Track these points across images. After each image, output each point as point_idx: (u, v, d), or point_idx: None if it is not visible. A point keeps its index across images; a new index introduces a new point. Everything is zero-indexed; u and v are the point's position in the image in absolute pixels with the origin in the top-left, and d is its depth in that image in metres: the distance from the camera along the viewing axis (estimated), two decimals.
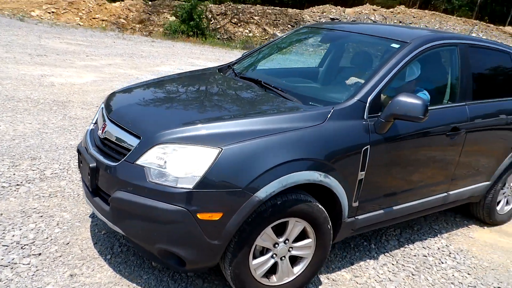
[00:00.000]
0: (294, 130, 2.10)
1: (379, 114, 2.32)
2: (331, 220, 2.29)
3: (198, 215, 1.88)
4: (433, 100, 2.79)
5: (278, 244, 2.15)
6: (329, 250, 2.33)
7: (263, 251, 2.17)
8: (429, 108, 2.61)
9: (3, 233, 2.50)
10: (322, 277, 2.52)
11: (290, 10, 23.53)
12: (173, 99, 2.65)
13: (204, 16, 20.78)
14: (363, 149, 2.27)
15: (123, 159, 2.03)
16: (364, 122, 2.30)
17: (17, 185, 3.12)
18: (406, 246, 3.03)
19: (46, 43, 11.02)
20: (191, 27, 19.83)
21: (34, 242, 2.45)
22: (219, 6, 22.27)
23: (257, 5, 23.93)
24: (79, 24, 18.31)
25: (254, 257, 2.12)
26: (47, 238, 2.51)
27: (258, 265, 2.13)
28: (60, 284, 2.14)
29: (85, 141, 2.42)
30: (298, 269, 2.28)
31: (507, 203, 3.62)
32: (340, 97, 2.41)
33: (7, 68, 7.18)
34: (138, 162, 1.97)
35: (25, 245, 2.41)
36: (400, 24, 22.65)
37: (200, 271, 2.33)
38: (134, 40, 15.29)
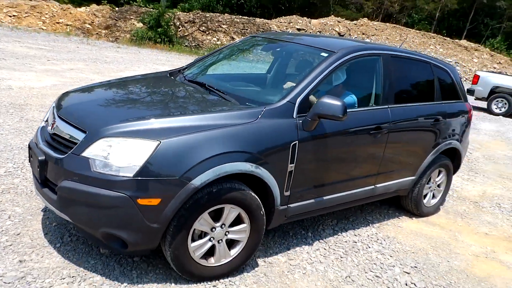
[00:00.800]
0: (229, 126, 2.37)
1: (307, 113, 2.64)
2: (264, 207, 2.57)
3: (138, 201, 2.11)
4: (359, 103, 3.16)
5: (215, 228, 2.40)
6: (262, 234, 2.60)
7: (201, 234, 2.41)
8: (355, 110, 2.99)
9: None
10: (260, 260, 2.78)
11: (258, 19, 24.04)
12: (119, 98, 2.86)
13: (172, 23, 20.88)
14: (292, 144, 2.56)
15: (69, 152, 2.22)
16: (293, 121, 2.60)
17: None
18: (339, 234, 3.34)
19: (5, 47, 10.83)
20: (159, 34, 19.88)
21: None
22: (187, 14, 22.48)
23: (226, 14, 24.31)
24: (42, 29, 17.96)
25: (193, 240, 2.36)
26: None
27: (197, 247, 2.37)
28: (9, 268, 2.28)
29: (36, 137, 2.59)
30: (234, 251, 2.53)
31: (433, 196, 4.04)
32: (274, 99, 2.71)
33: None
34: (84, 154, 2.17)
35: None
36: (347, 36, 23.64)
37: (142, 253, 2.53)
38: (99, 46, 15.19)
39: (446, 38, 26.86)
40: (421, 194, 3.81)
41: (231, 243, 2.54)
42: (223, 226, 2.43)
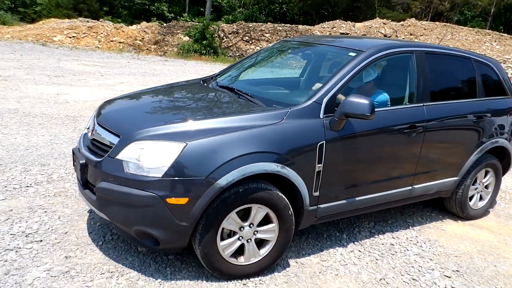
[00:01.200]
0: (255, 128, 2.44)
1: (334, 113, 2.63)
2: (294, 208, 2.59)
3: (167, 200, 2.22)
4: (393, 102, 3.10)
5: (243, 227, 2.45)
6: (292, 234, 2.61)
7: (231, 233, 2.47)
8: (386, 108, 2.95)
9: (12, 224, 2.87)
10: (291, 261, 2.78)
11: (300, 26, 24.07)
12: (152, 104, 3.02)
13: (216, 35, 21.53)
14: (319, 144, 2.57)
15: (106, 155, 2.39)
16: (320, 121, 2.61)
17: (27, 186, 3.51)
18: (376, 236, 3.25)
19: (64, 65, 11.74)
20: (204, 46, 20.55)
21: (37, 231, 2.81)
22: (231, 25, 23.01)
23: (268, 23, 24.58)
24: (98, 47, 19.24)
25: (223, 239, 2.42)
26: (48, 228, 2.87)
27: (226, 245, 2.43)
28: (56, 263, 2.48)
29: (79, 143, 2.80)
30: (264, 250, 2.56)
31: (481, 198, 3.80)
32: (301, 100, 2.73)
33: (27, 88, 7.79)
34: (118, 156, 2.32)
35: (29, 233, 2.77)
36: (394, 37, 22.82)
37: (174, 251, 2.63)
38: (148, 60, 16.00)
39: (503, 34, 25.19)
40: (466, 195, 3.60)
41: (260, 243, 2.58)
42: (251, 225, 2.47)
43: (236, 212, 2.40)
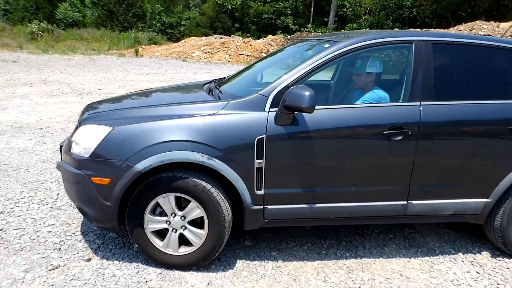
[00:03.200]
0: (186, 117, 2.46)
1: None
2: (237, 205, 2.59)
3: (92, 179, 2.41)
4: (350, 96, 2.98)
5: (175, 214, 2.51)
6: (223, 234, 2.51)
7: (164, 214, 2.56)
8: (359, 105, 2.70)
9: None
10: (395, 273, 2.66)
11: (433, 30, 22.28)
12: (126, 100, 3.17)
13: None
14: (257, 138, 2.41)
15: (66, 138, 2.83)
16: (263, 114, 2.46)
17: None
18: (501, 259, 2.87)
19: (199, 77, 13.17)
20: None
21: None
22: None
23: (395, 29, 23.37)
24: (228, 61, 21.01)
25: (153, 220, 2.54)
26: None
27: (152, 221, 2.53)
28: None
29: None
30: (183, 250, 2.58)
31: None
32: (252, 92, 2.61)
33: None
34: (71, 138, 2.64)
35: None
36: None
37: (109, 230, 2.76)
38: None
39: None
40: (508, 225, 2.81)
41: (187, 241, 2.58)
42: (183, 218, 2.52)
43: (177, 200, 2.48)
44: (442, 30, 21.95)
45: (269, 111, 2.46)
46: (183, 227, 2.54)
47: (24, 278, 2.40)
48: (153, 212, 2.52)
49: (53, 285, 2.36)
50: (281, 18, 31.66)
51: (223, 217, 2.48)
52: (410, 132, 2.54)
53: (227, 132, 2.43)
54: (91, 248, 2.77)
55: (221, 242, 2.53)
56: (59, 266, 2.54)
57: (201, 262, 2.57)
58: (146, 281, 2.45)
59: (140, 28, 32.09)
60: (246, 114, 2.47)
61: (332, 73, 3.78)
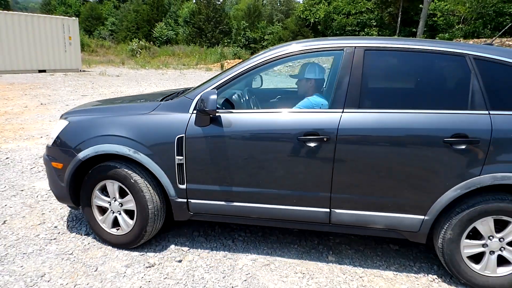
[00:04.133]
0: (125, 115, 2.83)
1: None
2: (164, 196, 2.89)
3: (52, 163, 2.96)
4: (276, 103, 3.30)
5: (115, 200, 2.92)
6: (146, 225, 2.83)
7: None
8: (275, 110, 2.71)
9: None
10: None
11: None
12: (106, 101, 3.50)
13: None
14: (177, 137, 2.67)
15: None
16: (186, 115, 2.70)
17: None
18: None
19: None
20: None
21: (248, 226, 3.36)
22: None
23: (493, 38, 21.37)
24: None
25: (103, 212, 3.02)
26: (256, 226, 3.38)
27: (103, 220, 2.99)
28: (260, 255, 2.92)
29: None
30: (114, 230, 2.98)
31: (505, 261, 2.54)
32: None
33: None
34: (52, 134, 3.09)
35: (243, 227, 3.34)
36: None
37: (72, 208, 3.25)
38: None
39: None
40: (454, 250, 2.54)
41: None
42: (114, 199, 2.92)
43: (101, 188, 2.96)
44: None
45: (192, 113, 2.71)
46: (119, 212, 2.94)
47: (125, 272, 2.65)
48: (102, 192, 2.97)
49: (149, 281, 2.56)
50: (365, 29, 30.92)
51: (149, 207, 2.80)
52: (325, 139, 2.52)
53: (152, 130, 2.73)
54: (182, 250, 2.95)
55: (145, 230, 2.84)
56: (155, 264, 2.75)
57: (128, 245, 2.93)
58: (232, 287, 2.54)
59: (226, 44, 33.73)
60: (171, 114, 2.75)
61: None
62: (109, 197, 2.92)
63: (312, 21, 33.75)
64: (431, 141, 2.44)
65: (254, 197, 2.73)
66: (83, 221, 3.34)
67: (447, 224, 2.53)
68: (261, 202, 2.73)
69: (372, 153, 2.52)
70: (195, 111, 2.69)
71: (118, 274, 2.62)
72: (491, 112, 2.42)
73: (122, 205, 2.90)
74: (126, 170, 2.77)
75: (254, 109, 3.20)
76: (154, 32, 35.26)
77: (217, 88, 2.73)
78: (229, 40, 35.99)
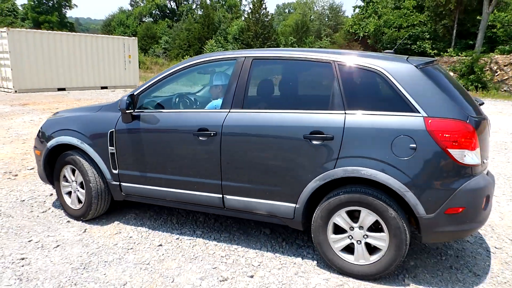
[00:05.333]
0: (79, 114, 3.71)
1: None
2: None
3: (35, 151, 3.89)
4: (187, 105, 3.81)
5: (73, 181, 3.70)
6: (92, 203, 3.53)
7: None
8: (180, 111, 3.39)
9: (297, 235, 3.50)
10: None
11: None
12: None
13: (487, 68, 19.18)
14: (109, 131, 3.38)
15: None
16: (117, 114, 3.37)
17: None
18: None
19: None
20: (471, 81, 18.67)
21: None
22: (508, 56, 19.94)
23: None
24: None
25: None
26: None
27: (64, 184, 3.78)
28: (333, 276, 2.87)
29: None
30: (79, 206, 3.70)
31: (373, 250, 2.74)
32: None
33: None
34: None
35: (312, 245, 3.31)
36: None
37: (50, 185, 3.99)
38: None
39: None
40: (324, 239, 2.82)
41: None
42: (73, 181, 3.70)
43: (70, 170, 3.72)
44: None
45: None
46: (76, 190, 3.67)
47: (200, 285, 2.71)
48: (64, 176, 3.74)
49: None
50: (418, 43, 29.96)
51: (92, 187, 3.48)
52: (212, 134, 2.98)
53: (93, 125, 3.49)
54: (252, 265, 2.97)
55: (91, 207, 3.53)
56: (228, 278, 2.79)
57: (80, 217, 3.64)
58: None
59: None
60: (108, 113, 3.46)
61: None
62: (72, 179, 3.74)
63: (361, 35, 33.30)
64: (294, 137, 2.78)
65: (165, 183, 3.26)
66: (155, 232, 3.48)
67: (316, 215, 2.82)
68: (171, 187, 3.25)
69: (249, 146, 2.93)
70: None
71: (194, 286, 2.68)
72: (347, 112, 2.70)
73: (77, 183, 3.68)
74: (78, 157, 3.53)
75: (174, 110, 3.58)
76: (205, 49, 36.46)
77: (140, 93, 3.35)
78: None
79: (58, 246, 3.19)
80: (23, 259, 2.97)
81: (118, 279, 2.75)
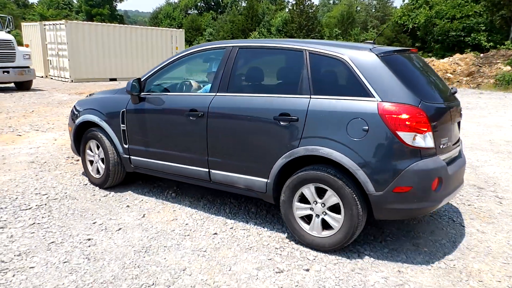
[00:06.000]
0: (102, 96, 4.32)
1: None
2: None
3: (68, 128, 4.76)
4: (186, 89, 4.08)
5: (96, 154, 4.31)
6: (111, 165, 4.09)
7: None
8: (173, 94, 3.90)
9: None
10: None
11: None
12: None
13: None
14: (121, 111, 3.90)
15: None
16: (128, 96, 3.84)
17: None
18: None
19: None
20: None
21: (372, 241, 3.25)
22: None
23: None
24: None
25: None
26: (381, 242, 3.26)
27: (88, 154, 4.42)
28: (391, 274, 2.80)
29: None
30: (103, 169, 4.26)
31: (328, 226, 2.98)
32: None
33: None
34: None
35: (369, 241, 3.24)
36: None
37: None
38: (460, 93, 15.13)
39: None
40: (288, 210, 3.13)
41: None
42: (96, 154, 4.29)
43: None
44: None
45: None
46: (98, 161, 4.25)
47: (257, 275, 2.74)
48: (90, 149, 4.32)
49: (281, 287, 2.61)
50: (472, 35, 28.33)
51: (110, 159, 4.04)
52: (199, 115, 3.39)
53: (110, 105, 4.05)
54: (307, 259, 2.96)
55: (109, 176, 4.12)
56: (284, 270, 2.80)
57: (101, 185, 4.25)
58: None
59: None
60: (122, 95, 3.96)
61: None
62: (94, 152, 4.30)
63: (410, 26, 31.95)
64: (266, 118, 3.10)
65: (164, 157, 3.72)
66: (209, 221, 3.55)
67: (284, 188, 3.10)
68: (168, 161, 3.69)
69: (230, 126, 3.30)
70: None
71: (251, 276, 2.72)
72: (312, 96, 2.98)
73: (99, 156, 4.21)
74: (99, 134, 4.09)
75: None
76: None
77: (147, 78, 3.82)
78: None
79: (120, 229, 3.35)
80: (89, 239, 3.15)
81: (178, 264, 2.84)
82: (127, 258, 2.89)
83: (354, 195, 2.80)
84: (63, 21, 16.24)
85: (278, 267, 2.82)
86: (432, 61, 21.37)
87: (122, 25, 18.88)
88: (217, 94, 3.38)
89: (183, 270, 2.76)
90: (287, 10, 42.30)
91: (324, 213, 2.99)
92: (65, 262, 2.81)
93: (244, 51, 3.42)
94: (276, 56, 3.51)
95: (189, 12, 53.14)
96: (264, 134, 3.13)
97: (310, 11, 37.24)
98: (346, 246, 3.13)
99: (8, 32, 12.78)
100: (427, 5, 31.37)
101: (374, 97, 2.76)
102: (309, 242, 3.06)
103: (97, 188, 4.28)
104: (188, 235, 3.29)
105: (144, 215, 3.64)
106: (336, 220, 2.93)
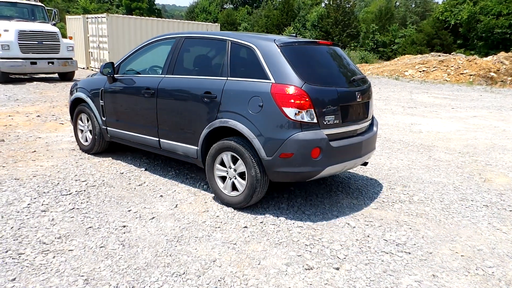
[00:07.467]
0: (90, 77, 5.21)
1: None
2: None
3: (68, 104, 6.72)
4: (154, 72, 4.54)
5: (85, 125, 5.26)
6: (96, 135, 4.98)
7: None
8: (135, 76, 4.60)
9: (384, 231, 3.38)
10: None
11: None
12: None
13: None
14: (101, 89, 4.76)
15: None
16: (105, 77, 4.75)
17: (393, 202, 4.02)
18: None
19: (416, 97, 12.46)
20: None
21: (405, 243, 3.17)
22: None
23: None
24: (446, 80, 19.14)
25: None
26: (414, 244, 3.17)
27: (79, 125, 5.41)
28: (425, 277, 2.72)
29: None
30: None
31: (234, 188, 3.70)
32: None
33: (385, 116, 8.85)
34: None
35: (399, 243, 3.16)
36: None
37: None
38: (503, 93, 14.41)
39: None
40: (211, 172, 3.79)
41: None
42: (85, 125, 5.22)
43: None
44: None
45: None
46: (86, 132, 5.19)
47: (286, 271, 2.73)
48: (81, 120, 5.23)
49: (311, 284, 2.59)
50: None
51: (96, 130, 4.93)
52: (151, 93, 4.16)
53: (93, 84, 4.92)
54: (337, 257, 2.92)
55: (94, 143, 5.04)
56: (313, 267, 2.78)
57: (89, 150, 5.18)
58: None
59: (353, 47, 32.81)
60: (103, 76, 4.75)
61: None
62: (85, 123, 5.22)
63: (452, 22, 30.64)
64: (196, 95, 3.82)
65: (128, 128, 4.51)
66: (240, 214, 3.58)
67: (208, 154, 3.76)
68: (133, 131, 4.47)
69: (171, 102, 4.04)
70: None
71: (280, 271, 2.72)
72: (228, 78, 3.66)
73: (88, 128, 5.11)
74: (86, 108, 4.99)
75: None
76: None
77: (120, 63, 4.67)
78: (356, 44, 35.01)
79: (153, 218, 3.44)
80: (124, 226, 3.26)
81: (208, 255, 2.88)
82: (160, 246, 2.96)
83: (253, 159, 3.43)
84: (104, 15, 16.77)
85: (308, 264, 2.80)
86: (474, 59, 20.43)
87: (159, 19, 19.26)
88: (165, 76, 4.14)
89: (213, 261, 2.80)
90: (323, 5, 41.64)
91: (234, 177, 3.64)
92: (101, 247, 2.93)
93: (189, 41, 4.16)
94: (211, 45, 4.17)
95: (224, 6, 53.45)
96: (194, 109, 3.82)
97: (347, 6, 36.47)
98: (376, 246, 3.06)
99: (54, 24, 13.33)
100: (471, 1, 29.95)
101: (270, 79, 3.40)
102: (222, 199, 3.75)
103: (132, 177, 4.42)
104: (218, 227, 3.33)
105: (176, 205, 3.72)
106: (241, 185, 3.59)
